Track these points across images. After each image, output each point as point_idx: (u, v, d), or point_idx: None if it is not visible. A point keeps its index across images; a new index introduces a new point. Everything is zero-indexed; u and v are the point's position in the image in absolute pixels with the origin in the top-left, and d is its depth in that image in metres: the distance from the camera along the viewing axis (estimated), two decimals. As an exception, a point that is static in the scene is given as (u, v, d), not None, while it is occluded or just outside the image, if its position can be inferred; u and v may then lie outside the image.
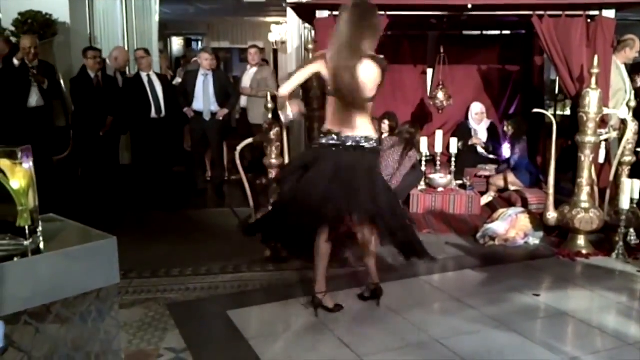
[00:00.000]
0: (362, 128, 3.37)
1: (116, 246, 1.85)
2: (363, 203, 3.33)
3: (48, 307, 1.74)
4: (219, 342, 3.32)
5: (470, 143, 6.80)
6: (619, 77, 5.69)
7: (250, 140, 5.07)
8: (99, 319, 1.86)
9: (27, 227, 1.76)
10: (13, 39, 6.92)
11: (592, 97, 4.63)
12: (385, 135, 6.08)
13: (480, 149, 6.89)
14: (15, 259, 1.69)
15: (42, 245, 1.81)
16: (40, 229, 1.83)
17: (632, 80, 6.44)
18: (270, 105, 4.66)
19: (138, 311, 3.61)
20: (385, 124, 6.11)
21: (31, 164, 1.77)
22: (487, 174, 6.57)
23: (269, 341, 3.26)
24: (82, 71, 6.53)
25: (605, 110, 4.84)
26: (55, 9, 7.34)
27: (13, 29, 7.04)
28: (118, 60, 7.18)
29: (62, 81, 6.83)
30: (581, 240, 4.77)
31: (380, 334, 3.33)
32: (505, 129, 6.57)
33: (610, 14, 5.18)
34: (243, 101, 7.65)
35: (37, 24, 7.09)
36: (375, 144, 3.42)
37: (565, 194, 5.26)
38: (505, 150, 6.76)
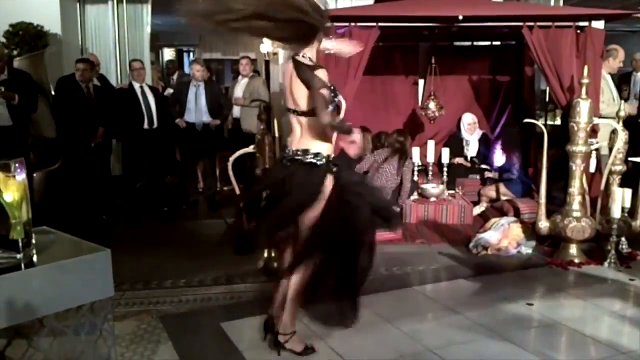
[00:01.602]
0: None
1: (110, 259, 1.84)
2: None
3: (41, 321, 1.72)
4: (212, 354, 3.30)
5: (456, 162, 6.79)
6: (606, 87, 5.74)
7: (243, 151, 5.06)
8: (93, 333, 1.85)
9: (20, 240, 1.75)
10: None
11: (582, 107, 4.67)
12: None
13: (471, 155, 6.92)
14: (9, 272, 1.68)
15: (35, 259, 1.80)
16: (33, 242, 1.82)
17: (621, 91, 6.50)
18: (264, 117, 4.67)
19: (131, 324, 3.58)
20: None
21: (25, 176, 1.76)
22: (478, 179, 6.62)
23: (262, 353, 3.24)
24: (65, 82, 6.40)
25: (596, 120, 4.88)
26: (46, 20, 7.33)
27: (4, 40, 7.03)
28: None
29: (53, 92, 6.81)
30: (573, 250, 4.79)
31: (374, 345, 3.32)
32: None
33: (599, 25, 5.24)
34: (236, 111, 7.66)
35: (28, 36, 7.08)
36: None
37: (557, 204, 5.29)
38: (498, 159, 6.79)
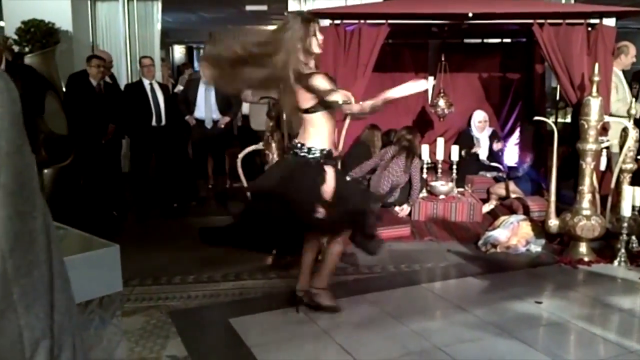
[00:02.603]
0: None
1: (119, 254, 1.85)
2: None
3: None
4: (220, 349, 3.32)
5: (473, 151, 6.79)
6: (620, 84, 5.69)
7: (252, 147, 5.07)
8: (102, 327, 1.86)
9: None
10: (16, 47, 6.96)
11: (593, 105, 4.65)
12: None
13: (482, 157, 6.90)
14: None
15: (45, 253, 1.81)
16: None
17: (631, 88, 6.44)
18: (272, 114, 4.67)
19: (140, 319, 3.61)
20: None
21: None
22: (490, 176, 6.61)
23: (270, 349, 3.26)
24: (76, 78, 6.42)
25: (606, 118, 4.85)
26: (57, 17, 7.39)
27: (16, 37, 7.08)
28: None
29: (64, 89, 6.84)
30: (583, 248, 4.77)
31: (381, 341, 3.33)
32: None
33: (610, 22, 5.20)
34: (245, 108, 7.68)
35: (39, 33, 7.13)
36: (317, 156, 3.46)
37: (567, 202, 5.27)
38: (508, 158, 6.77)
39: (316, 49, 3.40)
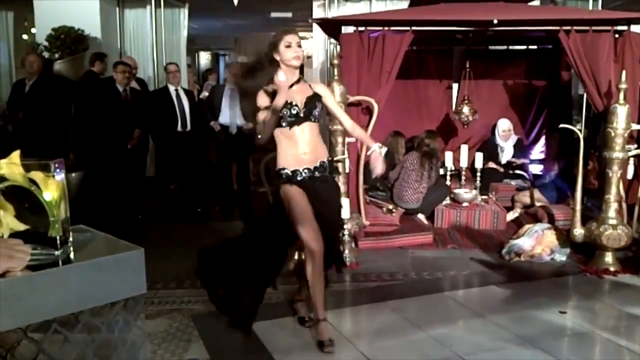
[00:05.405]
0: None
1: (143, 257, 1.88)
2: None
3: (77, 316, 1.77)
4: (242, 354, 3.34)
5: (488, 166, 6.68)
6: None
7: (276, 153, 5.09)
8: (126, 329, 1.89)
9: (58, 238, 1.80)
10: (46, 54, 7.11)
11: (620, 113, 4.59)
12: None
13: (504, 161, 6.85)
14: (47, 268, 1.73)
15: (72, 256, 1.84)
16: (70, 239, 1.87)
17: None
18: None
19: (163, 322, 3.66)
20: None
21: (63, 176, 1.82)
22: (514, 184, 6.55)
23: (291, 354, 3.28)
24: (103, 84, 6.53)
25: (634, 126, 4.78)
26: (87, 24, 7.54)
27: (47, 44, 7.24)
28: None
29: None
30: (609, 257, 4.70)
31: (403, 349, 3.32)
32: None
33: (638, 28, 5.12)
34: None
35: (69, 39, 7.28)
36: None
37: (593, 210, 5.19)
38: (534, 166, 6.70)
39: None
